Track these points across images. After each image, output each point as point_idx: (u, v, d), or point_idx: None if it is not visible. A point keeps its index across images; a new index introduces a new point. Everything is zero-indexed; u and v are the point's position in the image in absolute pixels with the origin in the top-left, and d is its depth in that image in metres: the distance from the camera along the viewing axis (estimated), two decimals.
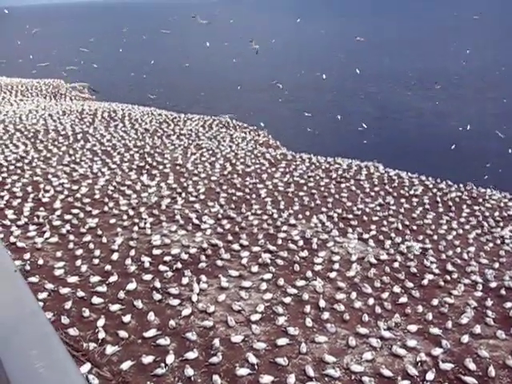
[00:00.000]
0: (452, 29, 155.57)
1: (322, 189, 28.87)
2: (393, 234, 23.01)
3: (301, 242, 21.23)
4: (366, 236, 22.67)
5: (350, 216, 25.04)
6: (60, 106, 50.41)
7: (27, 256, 19.13)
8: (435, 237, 23.34)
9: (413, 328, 15.66)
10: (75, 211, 23.37)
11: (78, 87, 72.77)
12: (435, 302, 17.25)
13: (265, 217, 24.00)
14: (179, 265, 18.62)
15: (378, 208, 26.46)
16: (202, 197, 26.06)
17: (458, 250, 22.04)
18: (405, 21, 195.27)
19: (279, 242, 21.21)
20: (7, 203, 24.28)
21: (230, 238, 21.21)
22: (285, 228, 22.61)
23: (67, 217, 22.72)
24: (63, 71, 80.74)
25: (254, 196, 26.78)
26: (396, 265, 19.89)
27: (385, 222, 24.51)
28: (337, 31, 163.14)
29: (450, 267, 19.83)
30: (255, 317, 15.71)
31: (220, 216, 23.59)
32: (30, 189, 25.98)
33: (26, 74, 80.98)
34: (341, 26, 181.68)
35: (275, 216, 24.14)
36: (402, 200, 27.96)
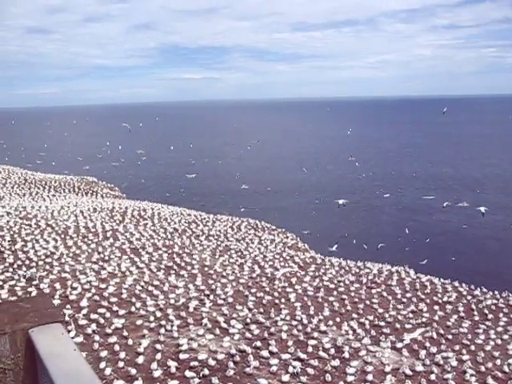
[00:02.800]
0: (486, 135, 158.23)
1: (353, 294, 28.22)
2: (427, 344, 22.10)
3: (332, 350, 20.45)
4: (399, 345, 21.79)
5: (382, 323, 24.23)
6: (91, 202, 51.17)
7: None
8: (472, 347, 22.34)
9: None
10: (102, 310, 23.01)
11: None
12: None
13: (294, 322, 23.32)
14: (206, 371, 17.95)
15: (411, 315, 25.60)
16: (231, 300, 25.54)
17: (498, 361, 20.97)
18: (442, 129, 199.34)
19: (309, 349, 20.45)
20: None
21: (258, 343, 20.50)
22: (315, 335, 21.87)
23: (93, 316, 22.35)
24: (97, 168, 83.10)
25: (283, 300, 26.18)
26: (433, 377, 18.95)
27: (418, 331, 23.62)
28: (371, 137, 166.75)
29: (490, 381, 18.83)
30: None
31: (248, 320, 22.99)
32: (57, 285, 25.81)
33: (60, 169, 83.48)
34: (370, 131, 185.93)
35: (305, 322, 23.44)
36: (436, 307, 27.06)
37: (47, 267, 28.79)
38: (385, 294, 28.64)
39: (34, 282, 26.04)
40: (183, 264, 30.96)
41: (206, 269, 30.53)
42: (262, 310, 24.68)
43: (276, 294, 27.10)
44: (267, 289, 27.75)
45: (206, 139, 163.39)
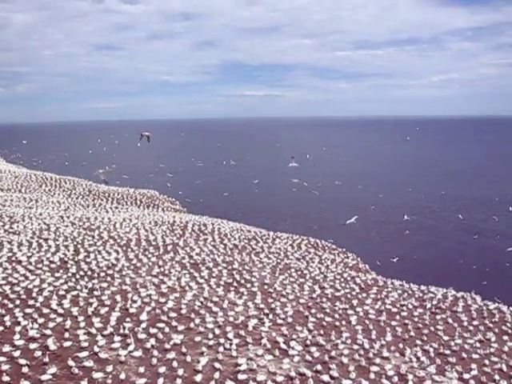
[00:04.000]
0: None
1: (416, 319, 27.17)
2: (497, 377, 20.96)
3: (395, 378, 19.60)
4: (466, 376, 20.77)
5: (448, 352, 23.16)
6: (152, 216, 51.64)
7: (110, 368, 18.74)
8: None
9: None
10: (161, 325, 22.93)
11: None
12: None
13: (355, 346, 22.55)
14: None
15: (478, 345, 24.38)
16: (290, 320, 24.99)
17: None
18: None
19: (372, 376, 19.70)
20: (95, 311, 24.28)
21: (319, 367, 19.90)
22: (377, 361, 21.08)
23: (152, 330, 22.29)
24: (158, 182, 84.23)
25: (343, 323, 25.45)
26: None
27: (487, 362, 22.42)
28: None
29: None
30: None
31: (308, 342, 22.38)
32: (118, 298, 25.97)
33: (123, 182, 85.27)
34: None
35: (366, 346, 22.64)
36: (505, 337, 25.73)
37: (108, 279, 29.08)
38: (450, 320, 27.46)
39: (96, 293, 26.28)
40: (243, 281, 30.67)
41: (266, 287, 30.13)
42: (322, 331, 24.03)
43: (337, 315, 26.40)
44: (328, 310, 27.10)
45: (265, 155, 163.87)
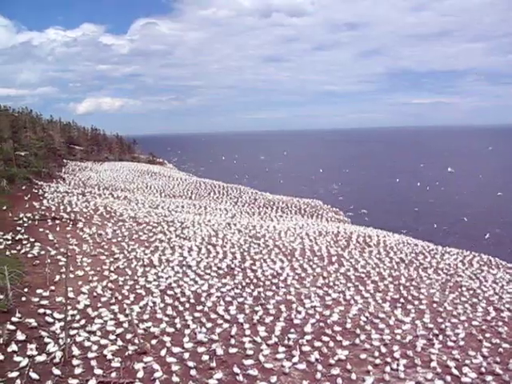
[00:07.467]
0: None
1: None
2: None
3: None
4: None
5: None
6: (316, 226, 51.61)
7: (274, 379, 18.70)
8: None
9: None
10: (325, 339, 22.56)
11: None
12: None
13: None
14: None
15: None
16: (462, 343, 23.33)
17: None
18: None
19: None
20: (260, 319, 24.51)
21: None
22: None
23: (317, 343, 22.00)
24: (322, 191, 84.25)
25: None
26: None
27: None
28: None
29: None
30: None
31: (483, 370, 20.68)
32: (283, 307, 26.06)
33: (286, 191, 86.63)
34: None
35: None
36: None
37: (273, 288, 29.33)
38: None
39: (261, 302, 26.59)
40: (410, 298, 29.39)
41: (435, 305, 28.59)
42: (498, 359, 22.12)
43: None
44: (504, 335, 24.99)
45: (435, 166, 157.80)
